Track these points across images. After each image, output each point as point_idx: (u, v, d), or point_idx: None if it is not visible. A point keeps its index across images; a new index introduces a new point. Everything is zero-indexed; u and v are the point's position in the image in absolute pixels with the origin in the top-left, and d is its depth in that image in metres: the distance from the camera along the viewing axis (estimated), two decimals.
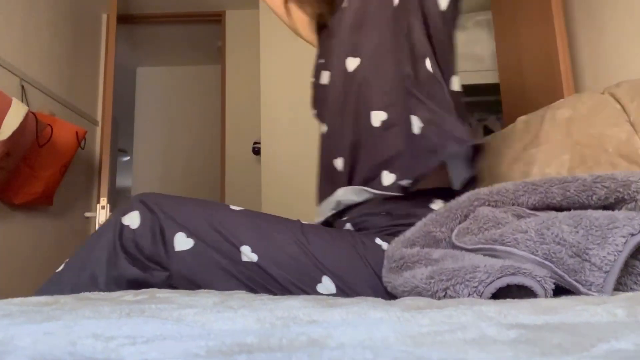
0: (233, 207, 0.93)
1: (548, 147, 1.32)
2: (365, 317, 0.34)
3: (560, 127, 1.34)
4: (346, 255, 0.86)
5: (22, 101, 2.26)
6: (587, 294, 0.60)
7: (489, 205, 0.82)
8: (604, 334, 0.32)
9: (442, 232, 0.80)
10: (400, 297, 0.72)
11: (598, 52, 2.36)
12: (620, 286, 0.64)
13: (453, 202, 0.84)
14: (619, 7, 2.20)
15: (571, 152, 1.25)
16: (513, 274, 0.59)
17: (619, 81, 1.42)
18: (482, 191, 0.83)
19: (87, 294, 0.70)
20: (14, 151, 2.02)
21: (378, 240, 0.89)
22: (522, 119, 1.51)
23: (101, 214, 2.72)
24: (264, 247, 0.86)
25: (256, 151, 3.51)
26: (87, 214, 2.99)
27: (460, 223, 0.81)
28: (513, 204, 0.80)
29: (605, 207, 0.76)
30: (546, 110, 1.46)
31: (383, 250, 0.86)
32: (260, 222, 0.90)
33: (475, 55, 3.51)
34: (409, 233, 0.81)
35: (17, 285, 2.31)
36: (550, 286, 0.60)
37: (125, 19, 3.62)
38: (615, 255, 0.59)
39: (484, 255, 0.71)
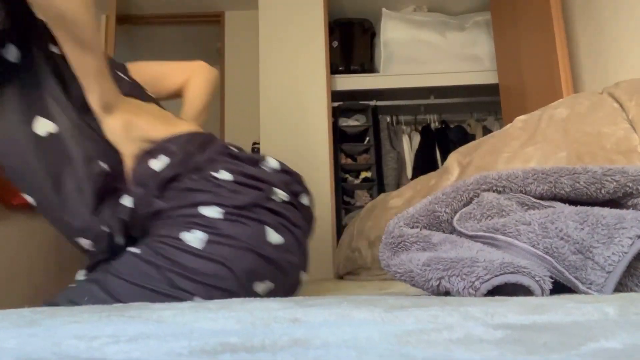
0: None
1: (545, 146, 1.32)
2: (349, 317, 0.34)
3: (557, 126, 1.34)
4: None
5: None
6: (585, 292, 0.60)
7: (495, 190, 0.81)
8: (593, 333, 0.31)
9: (447, 212, 0.80)
10: (392, 277, 0.72)
11: (597, 53, 2.36)
12: (620, 287, 0.64)
13: (460, 183, 0.83)
14: (617, 8, 2.20)
15: (568, 150, 1.25)
16: (512, 272, 0.58)
17: (617, 81, 1.42)
18: (490, 175, 0.82)
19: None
20: None
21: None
22: (520, 118, 1.51)
23: None
24: None
25: (255, 152, 3.51)
26: None
27: (465, 206, 0.81)
28: (520, 192, 0.80)
29: (612, 201, 0.76)
30: (544, 110, 1.46)
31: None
32: None
33: (473, 56, 3.50)
34: (413, 210, 0.80)
35: (16, 287, 2.31)
36: (548, 286, 0.59)
37: (124, 20, 3.62)
38: (619, 256, 0.59)
39: (484, 243, 0.70)
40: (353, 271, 1.94)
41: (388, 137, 3.68)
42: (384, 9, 3.56)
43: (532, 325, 0.31)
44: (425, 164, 3.50)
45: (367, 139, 3.61)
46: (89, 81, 0.84)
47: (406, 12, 3.67)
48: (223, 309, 0.37)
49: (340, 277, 2.11)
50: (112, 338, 0.27)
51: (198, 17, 3.86)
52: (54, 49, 0.90)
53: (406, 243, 0.74)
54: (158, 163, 0.88)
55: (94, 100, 0.86)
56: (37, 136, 0.86)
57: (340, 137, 3.57)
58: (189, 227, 0.82)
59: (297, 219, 0.93)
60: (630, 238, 0.59)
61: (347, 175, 3.62)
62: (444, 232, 0.79)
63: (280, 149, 3.13)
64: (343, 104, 3.60)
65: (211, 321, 0.33)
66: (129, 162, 0.91)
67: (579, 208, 0.68)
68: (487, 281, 0.57)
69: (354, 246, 1.91)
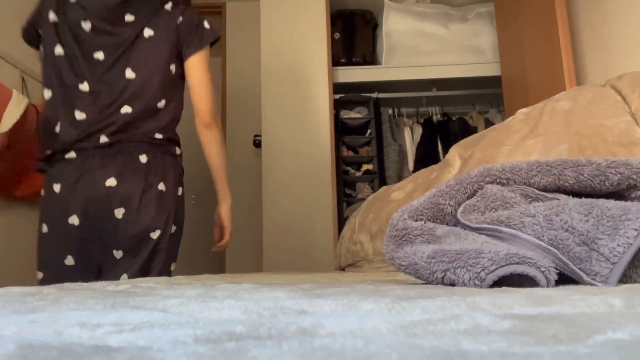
0: None
1: (546, 138, 1.32)
2: (356, 308, 0.34)
3: (559, 119, 1.33)
4: None
5: (23, 93, 2.25)
6: (590, 283, 0.60)
7: (499, 182, 0.81)
8: (600, 324, 0.31)
9: (451, 205, 0.80)
10: (397, 270, 0.72)
11: (600, 45, 2.34)
12: (624, 278, 0.64)
13: (464, 175, 0.83)
14: (621, 0, 2.18)
15: (569, 142, 1.25)
16: (518, 262, 0.58)
17: (620, 73, 1.41)
18: (494, 167, 0.82)
19: (68, 284, 0.70)
20: (14, 143, 2.03)
21: None
22: (522, 111, 1.51)
23: None
24: None
25: (257, 144, 3.50)
26: None
27: (468, 198, 0.81)
28: (524, 184, 0.80)
29: (615, 193, 0.76)
30: (546, 102, 1.45)
31: None
32: None
33: (476, 48, 3.48)
34: (417, 203, 0.80)
35: (18, 277, 2.31)
36: (553, 277, 0.59)
37: None
38: (625, 248, 0.59)
39: (488, 235, 0.70)
40: (354, 264, 1.94)
41: (390, 129, 3.67)
42: (386, 0, 3.54)
43: (539, 316, 0.31)
44: (427, 156, 3.49)
45: (369, 131, 3.61)
46: None
47: (408, 3, 3.65)
48: (229, 298, 0.37)
49: (342, 270, 2.11)
50: (116, 327, 0.27)
51: (199, 7, 3.83)
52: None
53: (410, 236, 0.74)
54: None
55: None
56: None
57: (341, 130, 3.56)
58: None
59: None
60: (636, 229, 0.59)
61: (348, 168, 3.62)
62: (448, 224, 0.79)
63: (281, 141, 3.12)
64: (345, 96, 3.59)
65: (217, 311, 0.33)
66: None
67: (584, 200, 0.68)
68: (492, 272, 0.57)
69: (355, 239, 1.91)
